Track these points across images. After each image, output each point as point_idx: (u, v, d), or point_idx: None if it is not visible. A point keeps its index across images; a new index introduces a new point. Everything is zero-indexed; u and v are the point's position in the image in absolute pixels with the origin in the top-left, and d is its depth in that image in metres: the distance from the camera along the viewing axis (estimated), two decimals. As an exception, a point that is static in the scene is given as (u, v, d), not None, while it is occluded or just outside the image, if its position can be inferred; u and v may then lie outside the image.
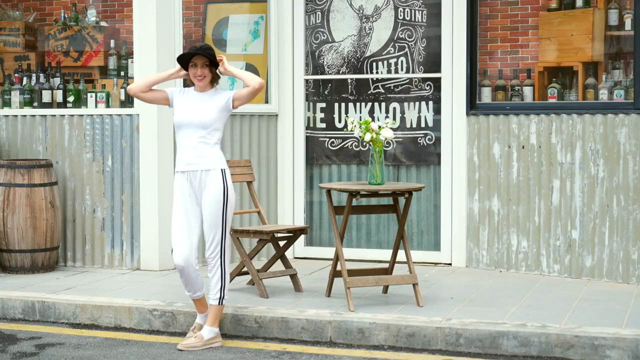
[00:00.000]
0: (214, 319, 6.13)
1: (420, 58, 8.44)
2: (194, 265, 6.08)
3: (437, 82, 8.37)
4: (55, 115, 8.40)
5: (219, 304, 6.12)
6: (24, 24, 9.24)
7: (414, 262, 6.99)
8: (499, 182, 8.02)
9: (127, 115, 8.15)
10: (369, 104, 8.60)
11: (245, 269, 7.18)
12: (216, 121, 6.08)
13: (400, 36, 8.50)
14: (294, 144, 8.75)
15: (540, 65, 8.34)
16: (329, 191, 6.80)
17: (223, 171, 6.08)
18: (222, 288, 6.10)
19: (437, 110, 8.39)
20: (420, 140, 8.48)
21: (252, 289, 7.24)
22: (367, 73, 8.60)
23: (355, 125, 6.69)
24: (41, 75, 8.79)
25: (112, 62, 8.82)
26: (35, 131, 8.47)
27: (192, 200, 6.11)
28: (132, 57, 8.29)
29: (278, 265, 7.63)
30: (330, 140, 8.74)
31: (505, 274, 7.88)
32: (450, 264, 8.29)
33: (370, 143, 6.67)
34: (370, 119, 6.87)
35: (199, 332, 6.14)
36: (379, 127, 6.67)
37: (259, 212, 7.43)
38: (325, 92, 8.75)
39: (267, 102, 8.74)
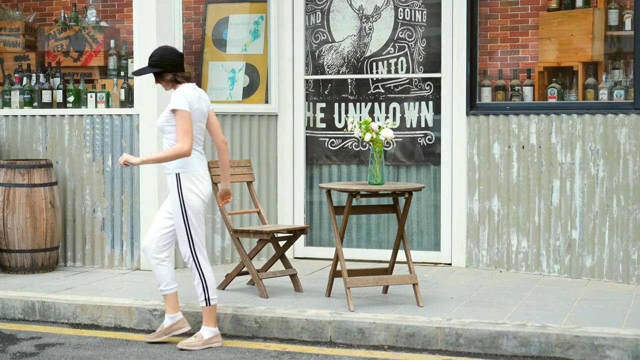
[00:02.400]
0: (207, 319, 6.13)
1: (420, 58, 8.44)
2: (152, 253, 6.16)
3: (437, 82, 8.37)
4: (55, 115, 8.40)
5: (206, 305, 6.11)
6: (24, 24, 9.24)
7: (414, 262, 6.99)
8: (499, 182, 8.02)
9: (127, 115, 8.15)
10: (369, 104, 8.60)
11: (245, 269, 7.18)
12: (165, 125, 6.08)
13: (400, 36, 8.50)
14: (294, 144, 8.74)
15: (540, 65, 8.34)
16: (329, 191, 6.80)
17: (177, 176, 6.05)
18: (205, 289, 6.10)
19: (437, 110, 8.38)
20: (420, 140, 8.48)
21: (252, 289, 7.24)
22: (367, 73, 8.60)
23: (355, 126, 6.70)
24: (41, 75, 8.79)
25: (112, 62, 8.82)
26: (35, 131, 8.47)
27: (167, 199, 6.23)
28: (132, 57, 8.29)
29: (278, 265, 7.64)
30: (330, 140, 8.74)
31: (505, 274, 7.88)
32: (450, 264, 8.29)
33: (370, 143, 6.67)
34: (370, 119, 6.87)
35: (199, 332, 6.14)
36: (379, 127, 6.67)
37: (259, 212, 7.43)
38: (325, 92, 8.75)
39: (267, 102, 8.74)
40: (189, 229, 6.08)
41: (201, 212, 6.13)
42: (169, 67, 6.08)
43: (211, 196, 8.22)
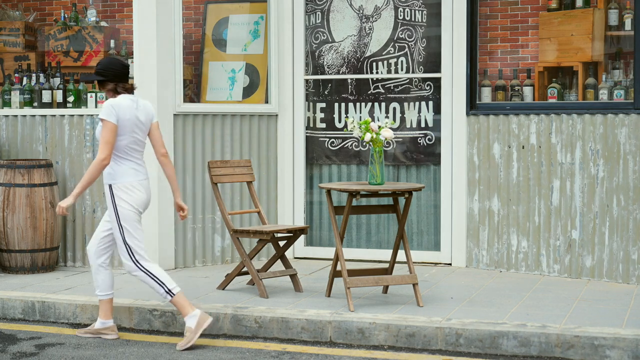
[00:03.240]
0: (182, 309, 6.16)
1: (420, 58, 8.44)
2: (92, 256, 6.31)
3: (437, 82, 8.37)
4: (55, 115, 8.40)
5: (171, 296, 6.15)
6: (24, 24, 9.24)
7: (414, 262, 7.00)
8: (499, 182, 8.02)
9: (127, 115, 8.14)
10: (369, 104, 8.60)
11: (245, 269, 7.18)
12: (98, 134, 6.21)
13: (400, 36, 8.50)
14: (294, 144, 8.74)
15: (540, 65, 8.34)
16: (329, 191, 6.80)
17: (110, 187, 6.20)
18: (160, 283, 6.16)
19: (437, 110, 8.38)
20: (420, 140, 8.48)
21: (252, 289, 7.24)
22: (367, 73, 8.60)
23: (355, 126, 6.69)
24: (41, 75, 8.79)
25: (112, 62, 8.81)
26: (35, 131, 8.47)
27: None
28: (132, 57, 8.29)
29: (278, 265, 7.64)
30: (330, 140, 8.74)
31: (505, 274, 7.88)
32: (450, 264, 8.29)
33: (370, 143, 6.68)
34: (370, 119, 6.87)
35: (186, 326, 6.16)
36: (379, 127, 6.67)
37: (259, 212, 7.43)
38: (325, 92, 8.75)
39: (267, 102, 8.74)
40: (125, 237, 6.18)
41: (135, 219, 6.23)
42: (111, 76, 6.24)
43: (209, 198, 8.23)
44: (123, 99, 6.18)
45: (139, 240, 6.21)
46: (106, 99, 6.30)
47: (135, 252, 6.18)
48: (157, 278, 6.16)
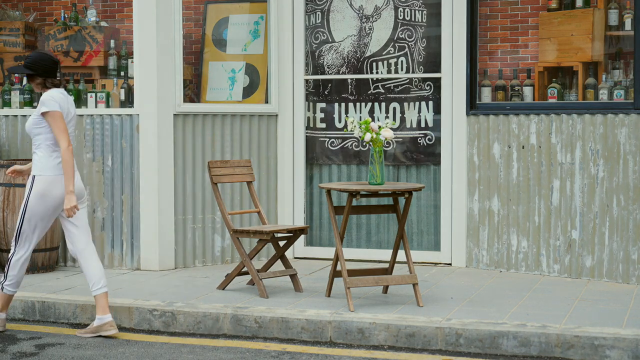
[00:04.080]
0: (1, 305, 6.46)
1: (420, 58, 8.44)
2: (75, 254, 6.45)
3: (437, 82, 8.37)
4: (55, 115, 8.39)
5: (0, 290, 6.43)
6: (24, 24, 9.25)
7: (414, 262, 7.00)
8: (499, 182, 8.02)
9: (127, 115, 8.15)
10: (369, 104, 8.60)
11: (245, 269, 7.18)
12: (33, 127, 6.29)
13: (400, 36, 8.50)
14: (294, 144, 8.74)
15: (540, 65, 8.34)
16: (329, 191, 6.80)
17: (34, 177, 6.28)
18: (5, 274, 6.39)
19: (437, 111, 8.38)
20: (420, 140, 8.48)
21: (252, 289, 7.24)
22: (367, 73, 8.60)
23: (355, 125, 6.70)
24: (41, 75, 8.78)
25: (112, 62, 8.82)
26: (35, 131, 8.46)
27: None
28: (132, 57, 8.29)
29: (278, 265, 7.64)
30: (330, 140, 8.74)
31: (505, 274, 7.88)
32: (450, 264, 8.29)
33: (370, 143, 6.68)
34: (370, 119, 6.87)
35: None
36: (379, 127, 6.67)
37: (258, 212, 7.43)
38: (325, 92, 8.75)
39: (267, 102, 8.74)
40: (22, 223, 6.30)
41: (47, 215, 6.31)
42: (40, 71, 6.34)
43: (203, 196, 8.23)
44: (57, 92, 6.30)
45: (34, 233, 6.32)
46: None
47: (21, 233, 6.31)
48: (8, 267, 6.34)
